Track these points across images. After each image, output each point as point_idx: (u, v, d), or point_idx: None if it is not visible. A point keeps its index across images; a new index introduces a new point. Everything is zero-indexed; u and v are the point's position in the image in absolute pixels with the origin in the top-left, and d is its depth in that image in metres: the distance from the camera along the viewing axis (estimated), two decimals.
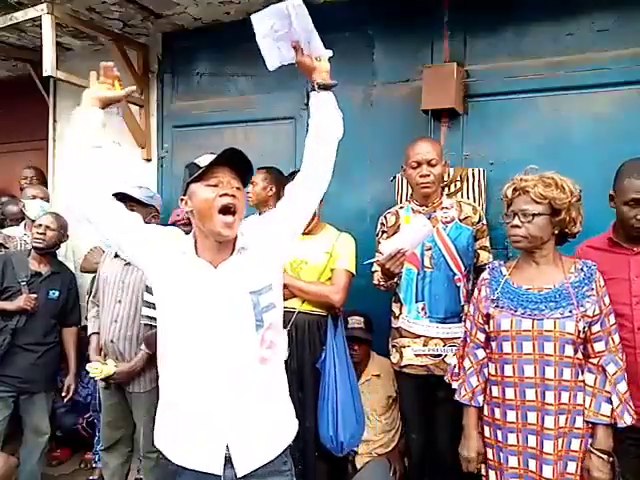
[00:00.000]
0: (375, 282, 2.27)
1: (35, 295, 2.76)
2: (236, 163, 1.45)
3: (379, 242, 2.34)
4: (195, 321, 1.43)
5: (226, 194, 1.41)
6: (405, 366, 2.26)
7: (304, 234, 2.46)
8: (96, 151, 1.50)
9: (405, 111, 2.93)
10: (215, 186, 1.42)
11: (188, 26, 3.49)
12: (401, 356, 2.27)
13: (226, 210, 1.41)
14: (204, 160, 1.49)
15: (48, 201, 3.52)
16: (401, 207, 2.38)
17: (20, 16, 3.06)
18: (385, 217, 2.38)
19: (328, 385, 2.28)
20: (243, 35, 3.32)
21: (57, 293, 2.88)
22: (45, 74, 3.08)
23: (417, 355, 2.22)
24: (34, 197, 3.39)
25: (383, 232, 2.36)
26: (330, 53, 1.62)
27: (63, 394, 2.91)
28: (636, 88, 2.49)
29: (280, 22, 1.56)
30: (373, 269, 2.28)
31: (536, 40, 2.68)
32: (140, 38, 3.64)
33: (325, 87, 1.56)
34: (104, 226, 1.50)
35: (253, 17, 1.61)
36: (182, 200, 1.50)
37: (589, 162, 2.46)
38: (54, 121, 4.10)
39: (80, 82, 3.35)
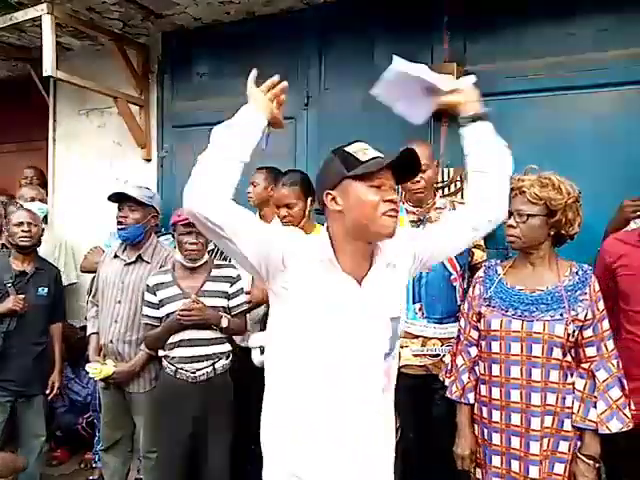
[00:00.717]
0: None
1: (23, 295, 2.71)
2: (400, 164, 1.28)
3: None
4: (329, 345, 1.27)
5: (391, 200, 1.25)
6: (403, 366, 2.26)
7: None
8: (241, 165, 1.27)
9: None
10: (378, 188, 1.25)
11: (188, 26, 3.49)
12: (399, 356, 2.27)
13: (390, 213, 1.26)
14: (361, 151, 1.29)
15: (44, 202, 3.52)
16: None
17: (20, 16, 3.06)
18: None
19: None
20: (243, 35, 3.37)
21: (46, 289, 2.84)
22: (45, 74, 3.08)
23: (415, 355, 2.22)
24: (33, 199, 3.38)
25: None
26: (473, 78, 1.45)
27: (47, 391, 2.86)
28: (636, 88, 2.49)
29: (397, 84, 1.48)
30: None
31: (536, 40, 2.67)
32: (140, 38, 3.64)
33: (479, 118, 1.41)
34: (230, 234, 1.23)
35: (376, 94, 1.52)
36: (328, 195, 1.29)
37: (589, 162, 2.46)
38: (54, 121, 4.09)
39: (80, 82, 3.36)
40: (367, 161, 1.26)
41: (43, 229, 2.99)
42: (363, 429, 1.32)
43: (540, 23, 2.66)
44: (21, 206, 3.33)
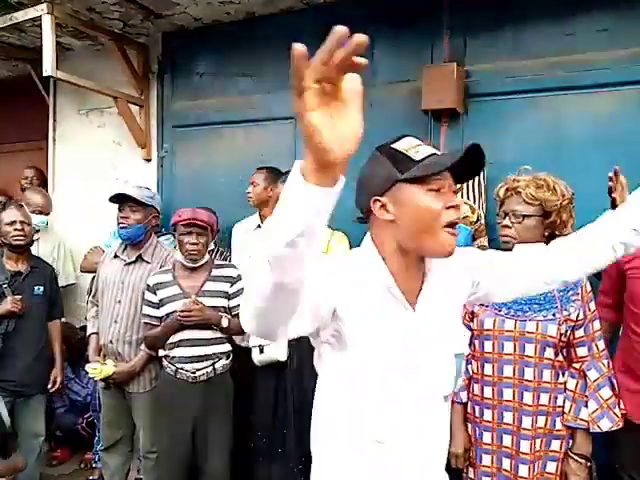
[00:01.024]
0: None
1: (20, 296, 2.68)
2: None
3: None
4: (385, 388, 1.07)
5: (455, 206, 1.04)
6: None
7: None
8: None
9: (405, 111, 2.93)
10: (437, 191, 1.04)
11: (188, 26, 3.49)
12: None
13: (452, 225, 1.05)
14: (413, 148, 1.07)
15: (50, 209, 3.49)
16: None
17: (20, 16, 3.06)
18: None
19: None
20: (243, 35, 3.38)
21: (42, 288, 2.81)
22: (45, 74, 3.08)
23: None
24: (40, 212, 3.35)
25: None
26: None
27: (49, 386, 2.85)
28: (636, 88, 2.49)
29: None
30: None
31: (536, 40, 2.68)
32: (140, 38, 3.64)
33: None
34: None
35: None
36: (376, 202, 1.07)
37: (589, 162, 2.46)
38: (54, 121, 4.09)
39: (80, 82, 3.36)
40: (423, 160, 1.04)
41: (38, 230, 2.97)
42: (419, 466, 1.16)
43: (540, 23, 2.66)
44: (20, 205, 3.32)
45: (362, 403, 1.09)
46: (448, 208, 1.04)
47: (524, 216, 1.69)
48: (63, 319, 3.07)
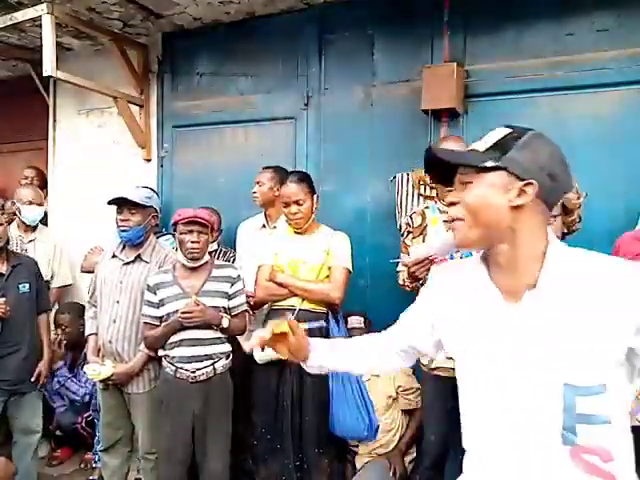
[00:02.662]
0: (400, 282, 2.23)
1: (4, 298, 2.62)
2: None
3: (404, 242, 2.30)
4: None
5: None
6: (436, 368, 2.20)
7: (298, 233, 2.46)
8: None
9: (405, 111, 2.93)
10: None
11: (188, 26, 3.49)
12: (432, 358, 2.23)
13: None
14: None
15: (42, 205, 3.48)
16: (426, 207, 2.31)
17: (20, 16, 3.06)
18: (411, 217, 2.31)
19: (342, 378, 2.32)
20: (243, 35, 3.38)
21: (27, 285, 2.76)
22: (45, 74, 3.08)
23: (449, 358, 2.18)
24: (30, 202, 3.34)
25: (409, 232, 2.29)
26: None
27: (32, 379, 2.78)
28: (636, 88, 2.49)
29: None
30: (398, 269, 2.24)
31: (536, 40, 2.68)
32: (140, 38, 3.64)
33: None
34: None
35: None
36: None
37: (589, 162, 2.46)
38: (54, 121, 4.09)
39: (80, 82, 3.36)
40: None
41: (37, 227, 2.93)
42: None
43: (540, 23, 2.67)
44: (18, 209, 3.30)
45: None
46: None
47: (554, 216, 1.68)
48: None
